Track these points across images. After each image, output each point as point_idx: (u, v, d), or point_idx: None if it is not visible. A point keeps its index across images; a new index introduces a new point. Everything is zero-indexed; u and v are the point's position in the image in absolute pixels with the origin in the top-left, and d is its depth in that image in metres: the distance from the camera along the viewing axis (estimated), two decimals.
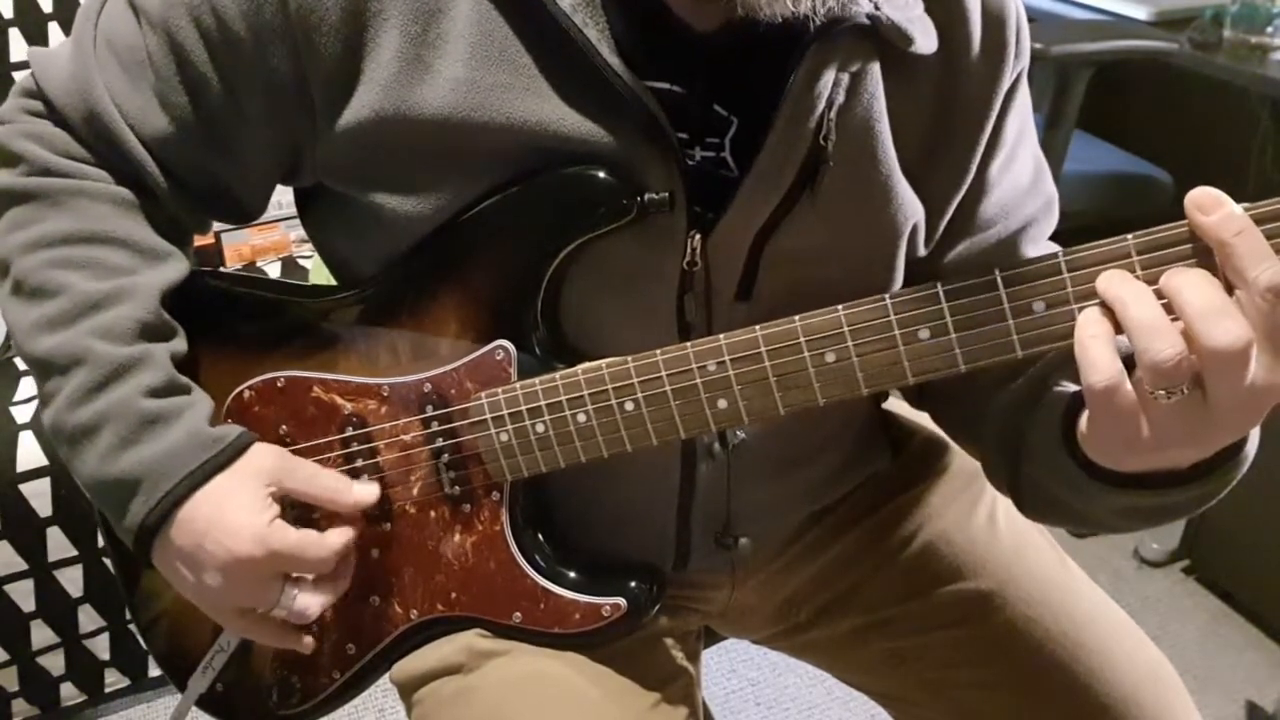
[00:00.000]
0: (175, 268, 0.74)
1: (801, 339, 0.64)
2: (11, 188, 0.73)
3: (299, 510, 0.75)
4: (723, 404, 0.67)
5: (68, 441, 0.70)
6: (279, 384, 0.76)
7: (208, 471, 0.69)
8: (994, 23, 0.72)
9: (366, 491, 0.74)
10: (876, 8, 0.65)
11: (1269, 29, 1.88)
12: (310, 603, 0.71)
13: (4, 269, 0.72)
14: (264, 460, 0.71)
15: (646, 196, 0.66)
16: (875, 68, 0.68)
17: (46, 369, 0.70)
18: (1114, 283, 0.57)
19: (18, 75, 1.54)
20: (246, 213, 0.78)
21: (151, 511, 0.68)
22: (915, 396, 0.90)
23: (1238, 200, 0.55)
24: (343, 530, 0.73)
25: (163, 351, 0.71)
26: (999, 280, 0.60)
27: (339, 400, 0.75)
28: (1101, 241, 0.58)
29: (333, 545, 0.71)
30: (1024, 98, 0.77)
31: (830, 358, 0.64)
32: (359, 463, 0.75)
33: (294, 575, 0.71)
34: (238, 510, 0.68)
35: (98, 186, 0.72)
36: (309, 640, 0.76)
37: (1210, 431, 0.57)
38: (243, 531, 0.68)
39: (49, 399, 0.70)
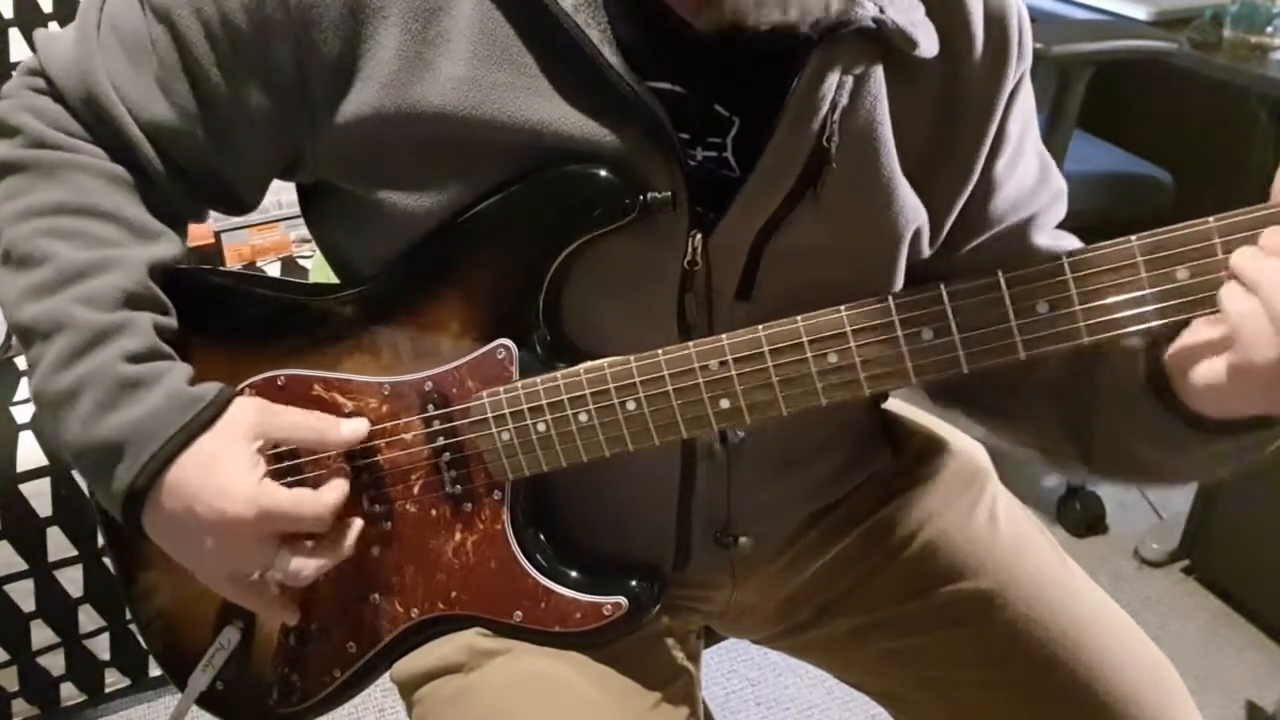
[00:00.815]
0: (166, 247, 0.74)
1: (804, 339, 0.64)
2: (7, 159, 0.73)
3: (292, 470, 0.74)
4: (725, 404, 0.67)
5: (50, 408, 0.69)
6: (279, 382, 0.76)
7: (191, 431, 0.68)
8: (996, 26, 0.72)
9: (353, 427, 0.73)
10: (881, 11, 0.65)
11: (1269, 29, 1.87)
12: (305, 565, 0.70)
13: None
14: (247, 415, 0.70)
15: (649, 196, 0.66)
16: (878, 71, 0.68)
17: (31, 336, 0.70)
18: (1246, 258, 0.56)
19: None
20: (242, 204, 0.78)
21: (138, 476, 0.67)
22: (936, 393, 0.90)
23: (1238, 201, 0.55)
24: (338, 485, 0.72)
25: (146, 319, 0.71)
26: (1002, 281, 0.60)
27: (340, 399, 0.75)
28: (1105, 243, 0.58)
29: (328, 501, 0.70)
30: (1027, 97, 0.77)
31: (833, 358, 0.64)
32: (359, 461, 0.75)
33: (289, 537, 0.71)
34: (227, 471, 0.68)
35: (91, 161, 0.73)
36: (297, 611, 0.76)
37: None
38: (234, 492, 0.67)
39: (33, 366, 0.70)
